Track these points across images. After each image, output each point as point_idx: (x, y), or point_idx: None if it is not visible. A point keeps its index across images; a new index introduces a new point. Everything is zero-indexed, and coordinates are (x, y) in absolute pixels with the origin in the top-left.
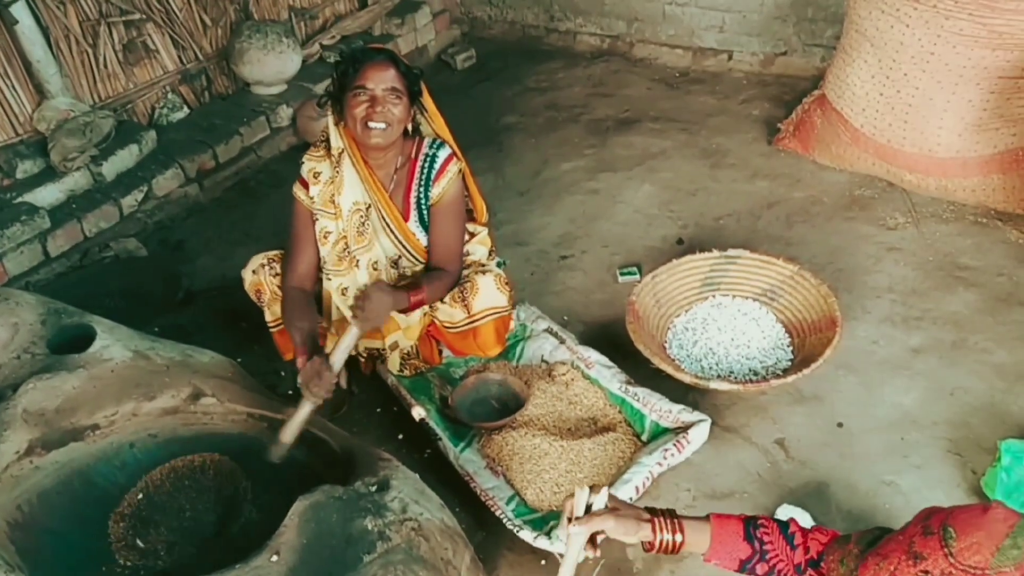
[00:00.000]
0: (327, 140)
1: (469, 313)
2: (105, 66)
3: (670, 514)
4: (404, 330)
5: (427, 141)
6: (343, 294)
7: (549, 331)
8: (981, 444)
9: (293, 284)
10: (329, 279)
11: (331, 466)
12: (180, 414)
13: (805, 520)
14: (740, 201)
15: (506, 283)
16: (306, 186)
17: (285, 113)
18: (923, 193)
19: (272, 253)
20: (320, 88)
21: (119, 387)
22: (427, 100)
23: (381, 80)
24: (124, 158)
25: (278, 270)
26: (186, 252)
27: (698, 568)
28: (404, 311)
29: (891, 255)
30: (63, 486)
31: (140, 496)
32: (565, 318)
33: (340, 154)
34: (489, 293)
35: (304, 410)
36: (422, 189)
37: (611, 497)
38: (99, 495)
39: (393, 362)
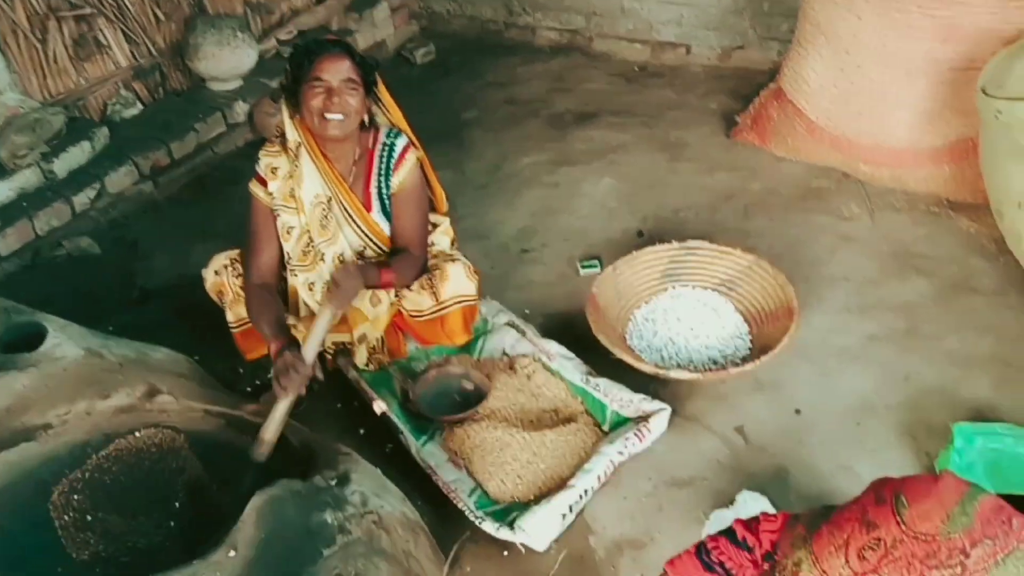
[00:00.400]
0: (283, 135)
1: (437, 300)
2: (55, 61)
3: None
4: (372, 321)
5: (384, 131)
6: (310, 289)
7: (510, 324)
8: (934, 428)
9: (256, 282)
10: (295, 275)
11: (290, 461)
12: (135, 412)
13: (762, 505)
14: (699, 193)
15: (474, 272)
16: (264, 183)
17: (241, 109)
18: (878, 184)
19: (234, 253)
20: (277, 84)
21: (72, 386)
22: (382, 91)
23: (337, 71)
24: (76, 155)
25: (240, 271)
26: (141, 250)
27: (660, 556)
28: (375, 287)
29: (847, 245)
30: (15, 487)
31: (81, 484)
32: (526, 311)
33: (298, 147)
34: (458, 280)
35: (282, 406)
36: (382, 178)
37: None
38: (51, 495)
39: (360, 356)
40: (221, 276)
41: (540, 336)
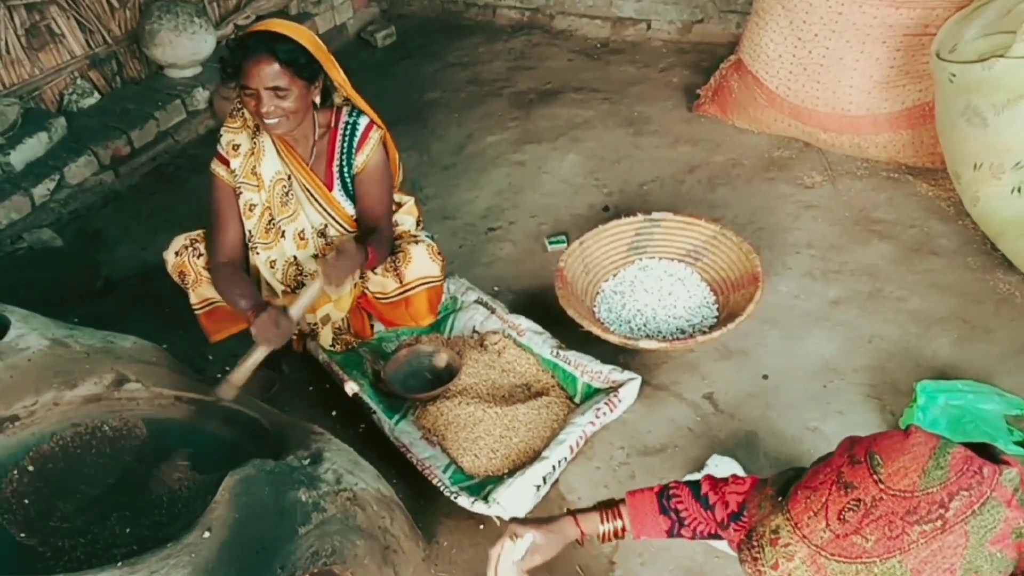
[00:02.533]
0: (242, 110)
1: (402, 283)
2: (8, 52)
3: (603, 505)
4: (335, 302)
5: (346, 110)
6: (271, 267)
7: (479, 302)
8: (899, 387)
9: (222, 261)
10: (257, 253)
11: (263, 444)
12: (104, 401)
13: (732, 468)
14: (663, 167)
15: (438, 253)
16: (225, 162)
17: (201, 96)
18: (838, 151)
19: (195, 234)
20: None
21: (37, 376)
22: (331, 69)
23: (261, 79)
24: (33, 146)
25: (202, 251)
26: (104, 241)
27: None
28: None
29: (809, 212)
30: None
31: (30, 473)
32: (496, 289)
33: (256, 127)
34: (422, 262)
35: (256, 354)
36: (344, 158)
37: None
38: (18, 488)
39: (325, 337)
40: (182, 256)
41: (509, 312)
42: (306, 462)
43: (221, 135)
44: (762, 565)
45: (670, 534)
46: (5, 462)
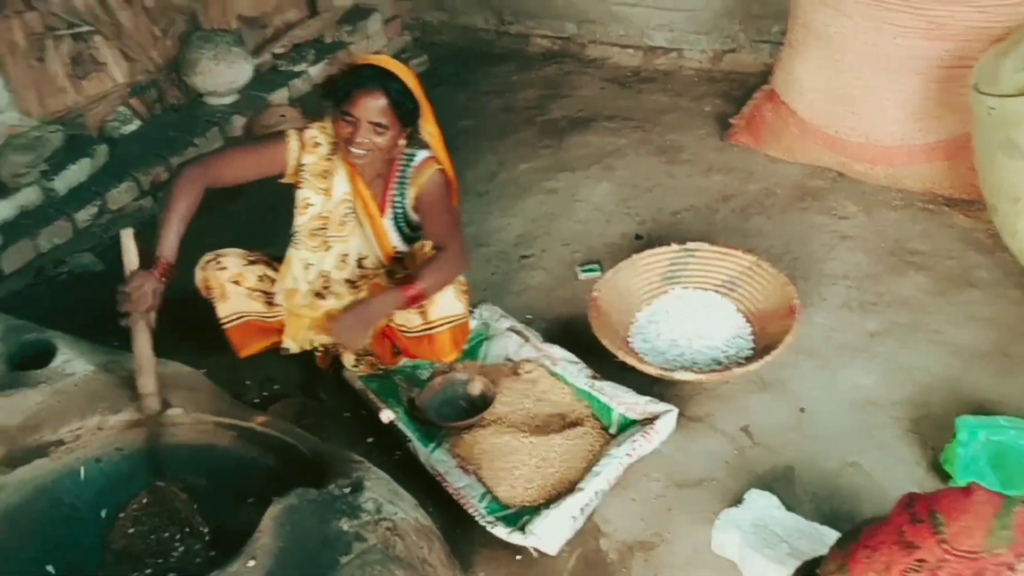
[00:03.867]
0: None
1: (426, 320)
2: (53, 80)
3: None
4: None
5: (406, 143)
6: (305, 268)
7: (512, 329)
8: (939, 422)
9: (199, 176)
10: (297, 248)
11: (302, 472)
12: (146, 426)
13: (770, 503)
14: (696, 196)
15: (464, 292)
16: (301, 146)
17: (239, 123)
18: (872, 182)
19: (220, 251)
20: (274, 97)
21: (83, 401)
22: (428, 120)
23: (367, 111)
24: (76, 172)
25: (224, 264)
26: (143, 266)
27: (671, 556)
28: (402, 307)
29: (844, 243)
30: (28, 504)
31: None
32: (528, 317)
33: (336, 144)
34: (447, 302)
35: (141, 341)
36: (399, 187)
37: None
38: (66, 512)
39: (348, 358)
40: (207, 270)
41: (543, 341)
42: (347, 491)
43: (310, 126)
44: None
45: None
46: (52, 486)
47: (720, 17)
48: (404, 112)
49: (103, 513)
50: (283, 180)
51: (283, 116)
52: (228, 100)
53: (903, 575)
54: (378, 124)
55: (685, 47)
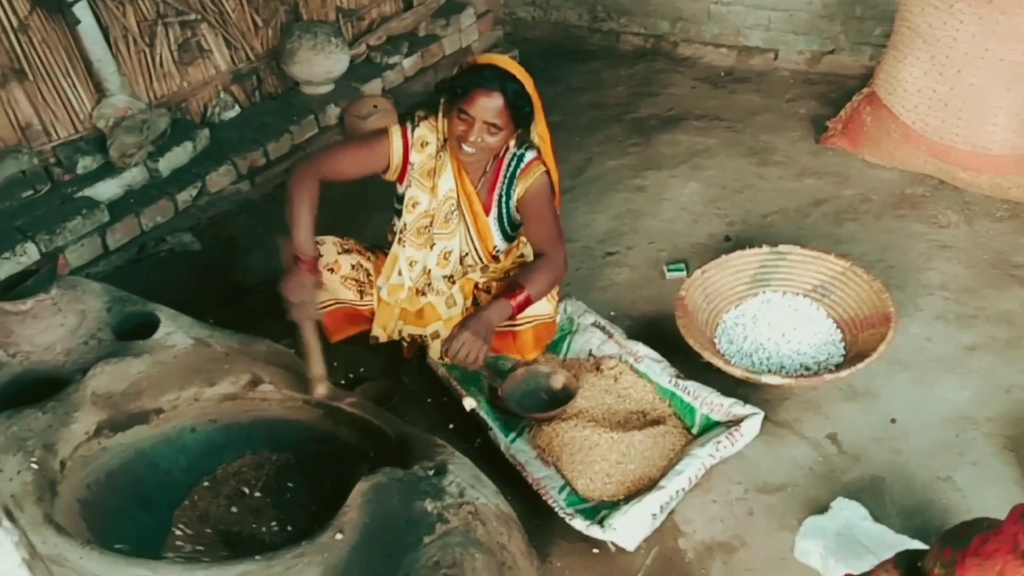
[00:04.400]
0: (435, 117)
1: (512, 317)
2: (161, 65)
3: None
4: (444, 321)
5: (516, 142)
6: (410, 265)
7: (596, 325)
8: None
9: (321, 168)
10: (403, 246)
11: (386, 453)
12: (239, 400)
13: (858, 512)
14: (788, 199)
15: (555, 293)
16: (407, 145)
17: (333, 112)
18: (976, 191)
19: (316, 238)
20: (368, 88)
21: (182, 373)
22: (539, 122)
23: (484, 111)
24: (179, 155)
25: (320, 252)
26: (238, 247)
27: (751, 560)
28: (511, 317)
29: (943, 253)
30: (128, 467)
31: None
32: (612, 313)
33: (445, 141)
34: (536, 302)
35: (308, 331)
36: (505, 186)
37: None
38: (161, 478)
39: (434, 349)
40: None
41: (627, 338)
42: (431, 473)
43: (419, 124)
44: None
45: None
46: (149, 452)
47: (820, 18)
48: (519, 114)
49: (195, 480)
50: (386, 176)
51: (376, 107)
52: (324, 89)
53: None
54: (493, 124)
55: (781, 47)
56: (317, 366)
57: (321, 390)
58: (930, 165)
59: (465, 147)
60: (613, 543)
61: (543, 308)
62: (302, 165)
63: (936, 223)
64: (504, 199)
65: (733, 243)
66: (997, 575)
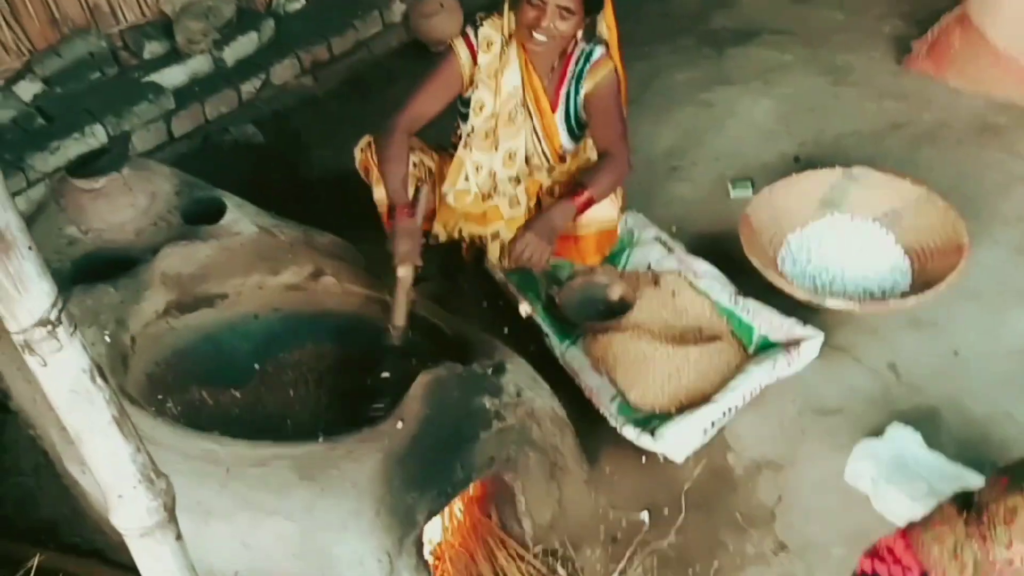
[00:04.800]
0: (502, 13)
1: (574, 219)
2: None
3: None
4: (506, 221)
5: (584, 38)
6: (477, 169)
7: (657, 239)
8: None
9: (403, 128)
10: (469, 150)
11: (444, 350)
12: (301, 291)
13: (913, 439)
14: (863, 121)
15: (620, 196)
16: (472, 50)
17: (398, 9)
18: None
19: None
20: None
21: (247, 260)
22: (608, 13)
23: None
24: (244, 45)
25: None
26: (300, 142)
27: (799, 479)
28: (575, 217)
29: (1023, 185)
30: (193, 348)
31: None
32: (673, 229)
33: (510, 36)
34: (600, 206)
35: (403, 285)
36: (573, 83)
37: None
38: (224, 360)
39: (493, 251)
40: (366, 153)
41: (687, 253)
42: (490, 371)
43: (480, 24)
44: (991, 543)
45: None
46: (214, 335)
47: None
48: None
49: (256, 365)
50: (466, 94)
51: (442, 5)
52: None
53: None
54: (565, 8)
55: None
56: (400, 318)
57: (397, 337)
58: (1019, 93)
59: (536, 35)
60: (662, 454)
61: (606, 212)
62: (387, 123)
63: (1018, 154)
64: (573, 95)
65: (802, 164)
66: None
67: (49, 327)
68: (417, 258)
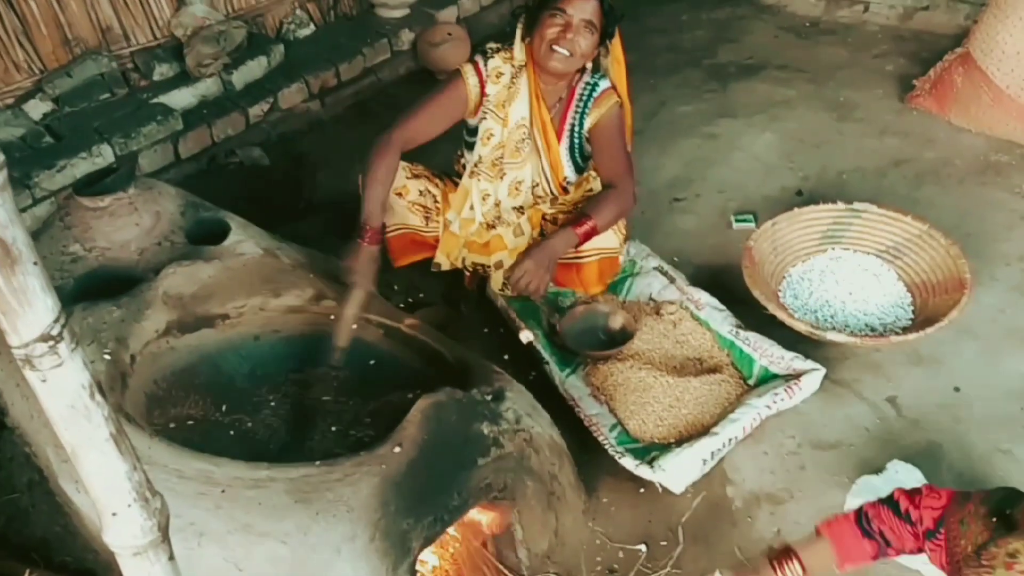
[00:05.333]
0: (512, 47)
1: (576, 249)
2: None
3: (786, 553)
4: (510, 251)
5: (590, 70)
6: (484, 198)
7: (659, 269)
8: None
9: (397, 143)
10: (478, 179)
11: (444, 375)
12: (303, 313)
13: (916, 477)
14: (866, 157)
15: (623, 225)
16: (480, 78)
17: (406, 37)
18: None
19: None
20: (443, 14)
21: (249, 281)
22: (616, 45)
23: (581, 9)
24: (253, 69)
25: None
26: (306, 165)
27: (798, 513)
28: (576, 246)
29: None
30: (193, 368)
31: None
32: (675, 259)
33: (520, 68)
34: (603, 234)
35: (352, 308)
36: (577, 116)
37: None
38: (224, 381)
39: (496, 280)
40: None
41: (689, 284)
42: (489, 398)
43: (491, 55)
44: None
45: (876, 557)
46: (214, 355)
47: None
48: (610, 20)
49: (256, 386)
50: (471, 119)
51: (450, 34)
52: (398, 13)
53: None
54: (589, 23)
55: (873, 1)
56: (342, 338)
57: (338, 358)
58: (1020, 132)
59: (558, 49)
60: (661, 484)
61: (609, 241)
62: (383, 136)
63: (1020, 193)
64: (577, 128)
65: (805, 198)
66: None
67: (51, 342)
68: (371, 284)
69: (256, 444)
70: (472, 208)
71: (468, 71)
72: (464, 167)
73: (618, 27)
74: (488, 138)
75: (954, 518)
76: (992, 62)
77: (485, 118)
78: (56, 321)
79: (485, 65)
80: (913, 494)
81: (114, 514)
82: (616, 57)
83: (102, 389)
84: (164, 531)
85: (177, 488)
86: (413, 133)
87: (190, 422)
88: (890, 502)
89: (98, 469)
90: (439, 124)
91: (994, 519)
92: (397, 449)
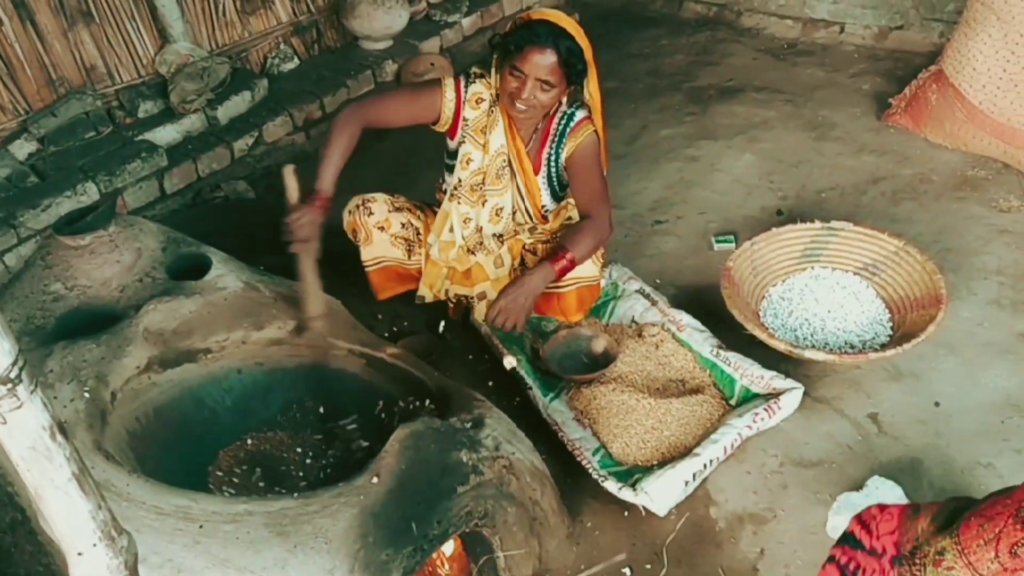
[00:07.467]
0: (491, 74)
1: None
2: (224, 14)
3: None
4: (492, 281)
5: (566, 101)
6: (465, 222)
7: (641, 292)
8: None
9: (360, 117)
10: (458, 203)
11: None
12: (285, 345)
13: (894, 493)
14: (844, 175)
15: (600, 255)
16: (459, 98)
17: (390, 68)
18: None
19: (368, 195)
20: (425, 45)
21: (231, 315)
22: (592, 80)
23: (537, 68)
24: (237, 104)
25: (372, 210)
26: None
27: (781, 532)
28: (555, 280)
29: (1002, 238)
30: (175, 403)
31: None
32: (657, 281)
33: (498, 98)
34: (581, 264)
35: (308, 271)
36: (554, 146)
37: None
38: (206, 415)
39: (479, 311)
40: (354, 215)
41: (670, 306)
42: (468, 426)
43: (474, 80)
44: None
45: None
46: (196, 390)
47: None
48: (572, 72)
49: (239, 420)
50: (436, 128)
51: (432, 64)
52: (382, 45)
53: (1012, 549)
54: (545, 82)
55: (848, 21)
56: (315, 305)
57: (319, 326)
58: (994, 147)
59: (518, 104)
60: (644, 507)
61: (588, 270)
62: (351, 106)
63: (996, 207)
64: (553, 158)
65: (785, 218)
66: (994, 536)
67: (9, 385)
68: (315, 249)
69: (239, 475)
70: (452, 231)
71: (449, 85)
72: (444, 193)
73: (592, 64)
74: (467, 163)
75: (910, 533)
76: (964, 79)
77: (464, 142)
78: (14, 364)
79: (466, 88)
80: (867, 521)
81: (79, 553)
82: (592, 93)
83: (64, 430)
84: (132, 570)
85: (154, 525)
86: (378, 114)
87: (173, 457)
88: (851, 540)
89: (61, 509)
90: (403, 116)
91: (939, 528)
92: (375, 480)
